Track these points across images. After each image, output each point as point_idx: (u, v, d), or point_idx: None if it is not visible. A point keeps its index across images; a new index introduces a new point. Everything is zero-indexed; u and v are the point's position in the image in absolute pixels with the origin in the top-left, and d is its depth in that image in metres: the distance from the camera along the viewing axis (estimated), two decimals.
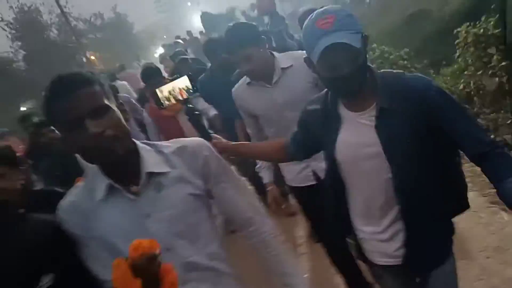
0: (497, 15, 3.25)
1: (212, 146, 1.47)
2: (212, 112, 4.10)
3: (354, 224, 1.71)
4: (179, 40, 10.95)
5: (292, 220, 3.84)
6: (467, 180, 1.68)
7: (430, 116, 1.44)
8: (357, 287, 2.74)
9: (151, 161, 1.29)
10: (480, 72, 3.99)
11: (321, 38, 1.38)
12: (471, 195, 1.70)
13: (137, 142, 1.32)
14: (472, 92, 4.17)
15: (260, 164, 2.64)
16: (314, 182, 2.50)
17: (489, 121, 3.91)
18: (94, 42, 27.81)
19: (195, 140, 1.42)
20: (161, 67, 6.69)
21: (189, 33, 12.13)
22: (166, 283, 1.10)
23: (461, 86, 4.40)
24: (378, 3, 9.48)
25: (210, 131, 3.54)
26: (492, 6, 3.85)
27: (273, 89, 2.39)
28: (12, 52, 23.86)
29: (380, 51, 5.99)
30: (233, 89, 2.58)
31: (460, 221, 1.68)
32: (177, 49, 6.82)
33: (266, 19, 5.00)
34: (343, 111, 1.56)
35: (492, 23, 3.77)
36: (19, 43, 24.33)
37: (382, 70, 1.61)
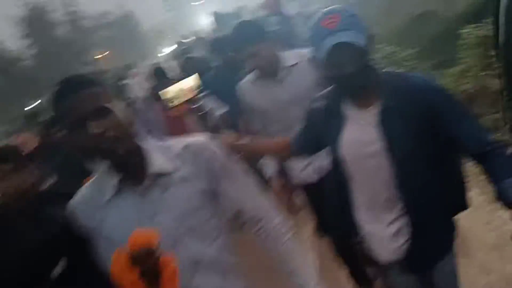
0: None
1: (220, 144, 1.47)
2: (220, 110, 4.12)
3: (358, 221, 1.72)
4: (184, 41, 10.99)
5: (297, 216, 3.87)
6: (468, 178, 1.68)
7: (432, 115, 1.46)
8: (361, 280, 2.77)
9: (157, 161, 1.30)
10: (483, 73, 4.03)
11: (326, 37, 1.41)
12: (471, 193, 1.70)
13: (143, 142, 1.34)
14: (475, 93, 4.20)
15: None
16: (318, 179, 2.49)
17: (493, 121, 3.93)
18: (101, 40, 27.87)
19: (199, 138, 1.42)
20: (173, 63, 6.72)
21: (195, 32, 12.16)
22: (166, 274, 1.11)
23: (465, 87, 4.42)
24: (386, 3, 9.47)
25: (219, 130, 3.56)
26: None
27: (278, 86, 2.40)
28: (19, 50, 23.99)
29: (387, 51, 6.00)
30: (238, 85, 2.60)
31: (461, 219, 1.69)
32: (183, 48, 6.83)
33: (273, 19, 5.02)
34: (347, 109, 1.58)
35: None
36: (27, 42, 24.49)
37: (385, 70, 1.62)
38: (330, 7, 1.48)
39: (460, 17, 5.73)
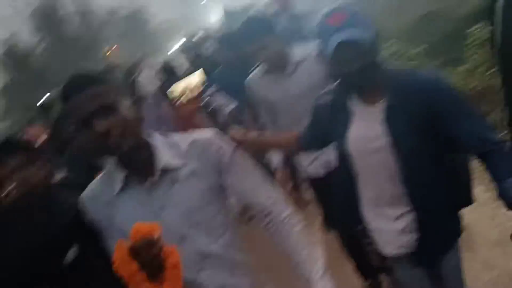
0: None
1: (229, 139, 1.49)
2: (231, 106, 4.13)
3: (365, 215, 1.74)
4: (193, 37, 10.97)
5: (305, 210, 3.89)
6: (474, 175, 1.69)
7: (437, 112, 1.47)
8: (367, 274, 2.80)
9: (165, 156, 1.32)
10: (491, 71, 4.03)
11: (332, 34, 1.43)
12: (477, 190, 1.72)
13: (152, 137, 1.35)
14: (483, 91, 4.21)
15: None
16: (325, 173, 2.51)
17: (500, 118, 3.93)
18: (111, 36, 27.92)
19: (207, 133, 1.43)
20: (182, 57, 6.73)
21: (205, 29, 12.17)
22: (168, 265, 1.13)
23: (473, 85, 4.42)
24: (395, 1, 9.40)
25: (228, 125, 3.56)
26: None
27: (286, 80, 2.43)
28: (31, 44, 24.14)
29: (396, 48, 5.98)
30: (247, 79, 2.62)
31: (466, 215, 1.71)
32: (192, 44, 6.83)
33: (282, 17, 5.03)
34: (353, 105, 1.60)
35: None
36: (38, 36, 24.61)
37: (392, 67, 1.65)
38: (336, 5, 1.50)
39: (469, 16, 5.70)
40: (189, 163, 1.34)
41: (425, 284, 1.72)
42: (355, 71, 1.45)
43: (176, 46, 18.64)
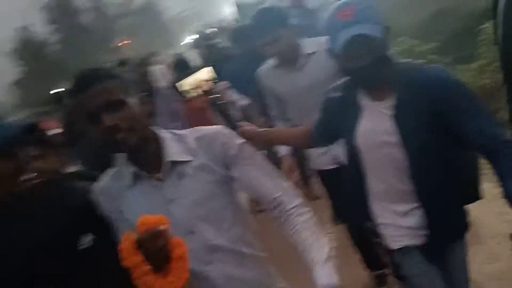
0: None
1: (240, 134, 1.49)
2: (244, 101, 4.05)
3: (374, 210, 1.74)
4: (206, 31, 10.99)
5: (316, 203, 3.93)
6: (483, 171, 1.68)
7: (445, 108, 1.47)
8: (373, 265, 2.85)
9: (173, 150, 1.33)
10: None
11: (342, 30, 1.43)
12: (485, 186, 1.72)
13: (160, 131, 1.37)
14: (495, 87, 4.20)
15: None
16: (335, 166, 2.51)
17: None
18: (124, 28, 28.00)
19: (213, 127, 1.43)
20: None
21: (218, 21, 12.17)
22: (175, 256, 1.14)
23: (485, 81, 4.42)
24: None
25: (239, 120, 3.55)
26: None
27: (297, 73, 2.44)
28: (46, 35, 24.32)
29: (408, 44, 5.97)
30: (258, 70, 2.63)
31: (474, 210, 1.71)
32: (204, 37, 6.83)
33: (294, 10, 5.02)
34: (363, 100, 1.60)
35: None
36: (53, 27, 24.78)
37: (402, 61, 1.63)
38: None
39: (481, 13, 5.68)
40: (197, 157, 1.35)
41: (432, 277, 1.71)
42: (365, 66, 1.45)
43: (189, 38, 18.64)
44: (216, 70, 3.89)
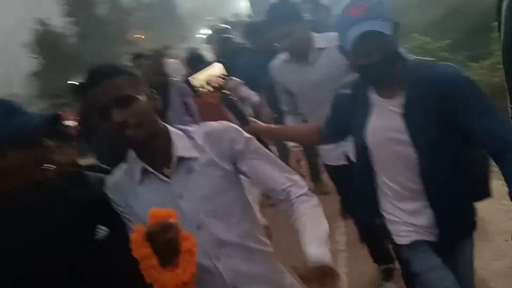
0: None
1: (250, 131, 1.49)
2: (256, 98, 4.08)
3: (383, 207, 1.74)
4: (219, 26, 10.99)
5: (325, 198, 3.96)
6: (493, 169, 1.67)
7: (454, 105, 1.47)
8: (381, 259, 2.86)
9: (181, 145, 1.33)
10: None
11: (352, 26, 1.43)
12: (495, 184, 1.72)
13: (169, 127, 1.37)
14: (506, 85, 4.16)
15: None
16: (345, 162, 2.50)
17: None
18: (139, 21, 28.09)
19: (221, 123, 1.43)
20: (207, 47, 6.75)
21: (232, 15, 12.14)
22: (183, 250, 1.14)
23: (497, 79, 4.38)
24: None
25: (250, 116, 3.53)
26: None
27: (308, 67, 2.45)
28: (63, 27, 24.53)
29: (421, 41, 5.94)
30: (269, 64, 2.65)
31: (482, 207, 1.73)
32: (217, 32, 6.82)
33: (307, 6, 5.02)
34: (373, 97, 1.60)
35: None
36: (70, 20, 25.00)
37: (413, 58, 1.62)
38: None
39: (493, 10, 5.62)
40: (205, 153, 1.35)
41: (441, 272, 1.69)
42: (375, 63, 1.44)
43: (203, 32, 18.65)
44: (229, 64, 3.90)
